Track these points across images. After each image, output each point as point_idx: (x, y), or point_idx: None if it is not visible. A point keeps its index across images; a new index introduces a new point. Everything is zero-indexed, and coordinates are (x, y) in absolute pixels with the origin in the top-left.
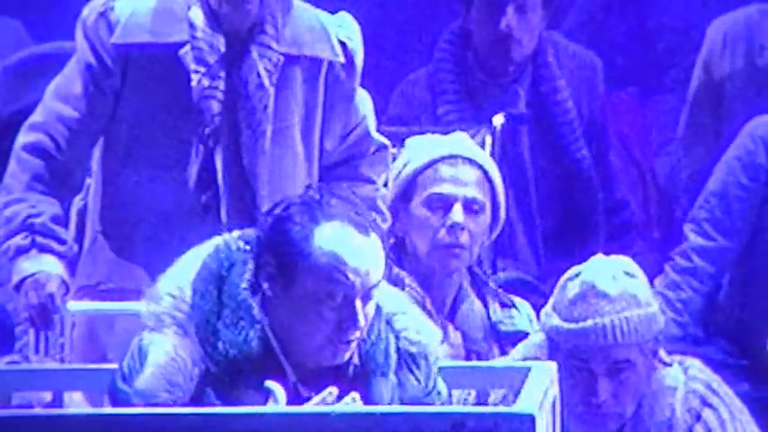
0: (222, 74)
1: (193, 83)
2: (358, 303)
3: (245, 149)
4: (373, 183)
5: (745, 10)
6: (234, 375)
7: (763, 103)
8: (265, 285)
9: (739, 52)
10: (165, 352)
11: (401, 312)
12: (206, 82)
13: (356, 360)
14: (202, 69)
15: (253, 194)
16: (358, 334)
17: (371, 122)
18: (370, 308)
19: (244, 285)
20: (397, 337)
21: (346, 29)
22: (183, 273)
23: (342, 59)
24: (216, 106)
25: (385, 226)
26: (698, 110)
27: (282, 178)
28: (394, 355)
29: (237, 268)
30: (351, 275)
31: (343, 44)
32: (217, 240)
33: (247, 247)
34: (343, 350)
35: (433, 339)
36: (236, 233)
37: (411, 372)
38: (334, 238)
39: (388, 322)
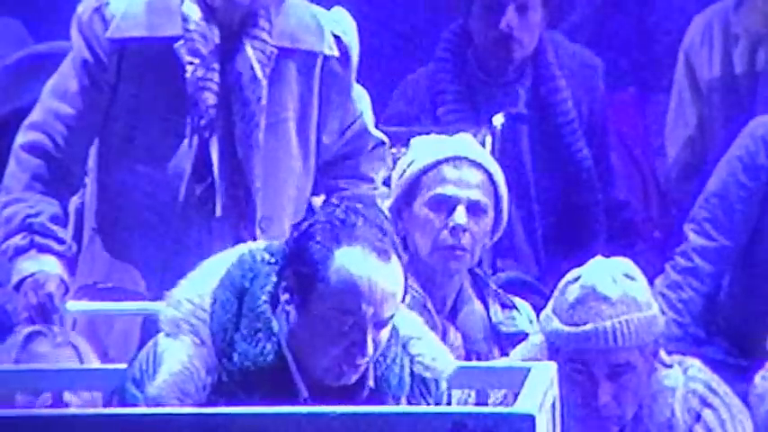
0: (216, 65)
1: (188, 74)
2: (369, 331)
3: (239, 142)
4: (371, 181)
5: (725, 2)
6: (246, 387)
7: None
8: (284, 298)
9: (717, 43)
10: (178, 360)
11: (417, 337)
12: (200, 73)
13: (371, 383)
14: (196, 61)
15: (247, 187)
16: (366, 360)
17: (369, 118)
18: (384, 334)
19: (264, 298)
20: (411, 362)
21: (341, 23)
22: (205, 280)
23: (336, 53)
24: (211, 97)
25: None
26: (682, 104)
27: (277, 172)
28: (408, 380)
29: (260, 280)
30: (364, 305)
31: (337, 38)
32: (242, 250)
33: (272, 260)
34: (351, 373)
35: (447, 366)
36: (262, 244)
37: (423, 397)
38: (352, 264)
39: (404, 346)
